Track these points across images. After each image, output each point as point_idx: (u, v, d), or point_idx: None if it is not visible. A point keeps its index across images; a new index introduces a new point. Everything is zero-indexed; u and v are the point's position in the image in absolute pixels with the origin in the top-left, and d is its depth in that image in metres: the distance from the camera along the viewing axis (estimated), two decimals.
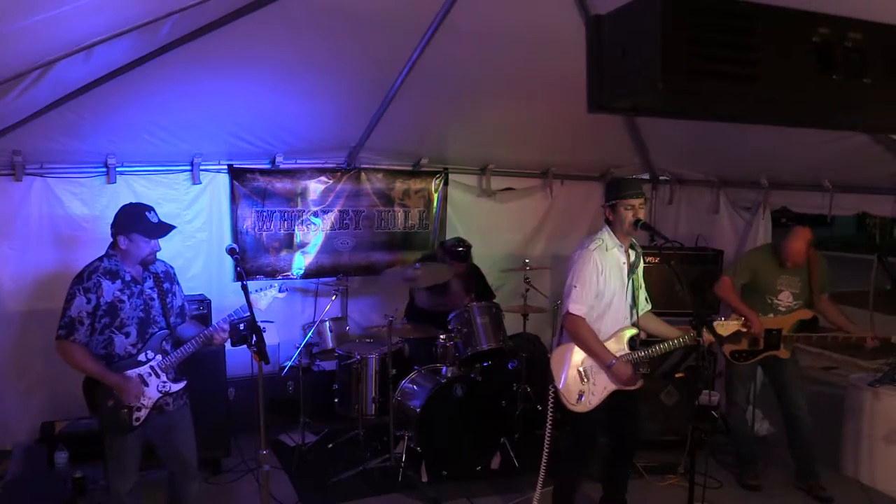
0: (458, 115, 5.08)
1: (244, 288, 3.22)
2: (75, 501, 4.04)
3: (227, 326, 3.26)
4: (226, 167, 5.22)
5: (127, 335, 3.13)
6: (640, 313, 3.70)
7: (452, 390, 4.49)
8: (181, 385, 3.28)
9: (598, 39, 1.75)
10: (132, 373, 3.12)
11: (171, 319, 3.32)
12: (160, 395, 3.19)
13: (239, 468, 4.53)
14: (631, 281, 3.61)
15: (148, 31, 2.91)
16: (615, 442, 3.81)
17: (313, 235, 5.58)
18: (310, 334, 5.00)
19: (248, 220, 5.32)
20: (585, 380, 3.55)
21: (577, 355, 3.57)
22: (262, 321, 3.19)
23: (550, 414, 3.73)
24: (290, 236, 5.50)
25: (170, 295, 3.33)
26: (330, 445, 4.96)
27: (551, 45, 3.98)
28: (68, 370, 4.81)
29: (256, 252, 5.38)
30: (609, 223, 3.59)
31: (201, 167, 5.07)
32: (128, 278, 3.16)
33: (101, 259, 3.17)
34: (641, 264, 3.73)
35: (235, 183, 5.23)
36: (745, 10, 1.60)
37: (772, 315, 4.39)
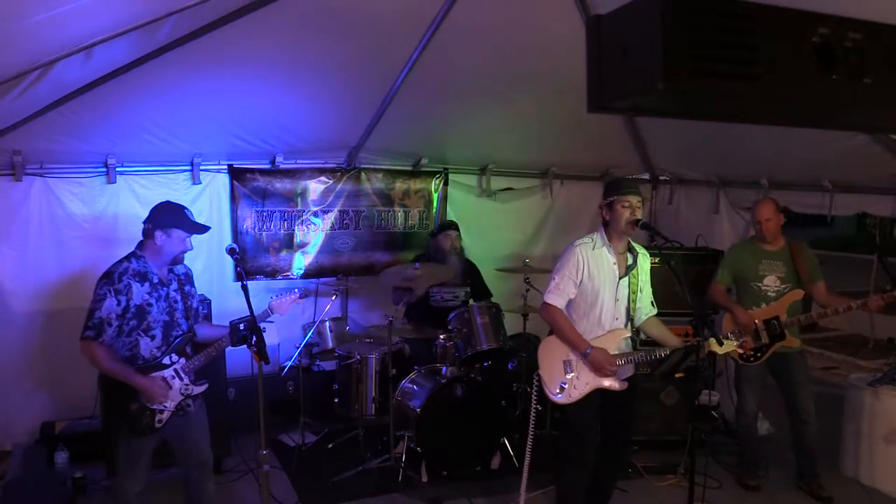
0: (458, 115, 5.08)
1: (244, 288, 3.22)
2: (75, 501, 4.04)
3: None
4: (226, 167, 5.22)
5: (153, 338, 3.13)
6: (643, 317, 3.68)
7: (452, 390, 4.49)
8: (203, 387, 3.29)
9: (598, 39, 1.75)
10: (157, 375, 3.11)
11: (191, 321, 3.33)
12: (182, 397, 3.20)
13: (239, 468, 4.53)
14: (625, 283, 3.57)
15: (148, 31, 2.91)
16: (603, 441, 3.78)
17: (313, 235, 5.58)
18: (310, 334, 5.00)
19: (248, 220, 5.32)
20: (570, 372, 3.54)
21: (565, 347, 3.58)
22: (261, 321, 3.19)
23: (535, 402, 3.75)
24: (290, 236, 5.50)
25: (190, 298, 3.34)
26: (330, 445, 4.97)
27: (551, 45, 3.98)
28: (68, 370, 4.86)
29: (256, 252, 5.38)
30: (605, 224, 3.58)
31: (201, 167, 5.08)
32: (155, 280, 3.15)
33: (128, 259, 3.14)
34: (647, 268, 3.70)
35: (235, 183, 5.24)
36: (745, 9, 1.60)
37: (763, 304, 4.33)
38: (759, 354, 4.32)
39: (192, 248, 3.26)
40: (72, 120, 4.00)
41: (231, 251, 3.44)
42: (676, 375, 5.02)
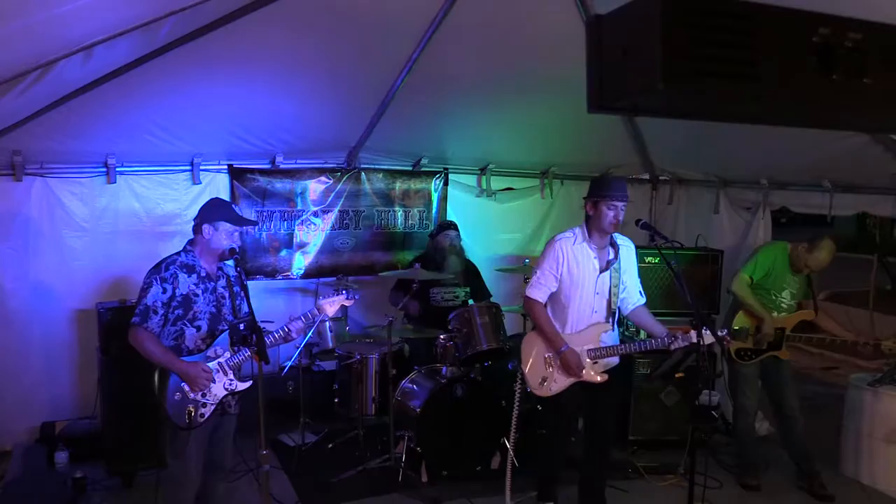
0: (458, 115, 5.08)
1: (244, 288, 3.23)
2: (75, 501, 4.04)
3: (300, 323, 3.36)
4: (226, 167, 5.22)
5: (198, 328, 3.16)
6: (631, 306, 3.79)
7: (452, 390, 4.49)
8: (247, 385, 3.28)
9: (598, 39, 1.75)
10: (200, 363, 3.13)
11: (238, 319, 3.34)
12: (226, 392, 3.21)
13: (239, 468, 4.52)
14: (606, 277, 3.65)
15: (148, 31, 2.91)
16: (588, 438, 3.92)
17: (313, 235, 5.58)
18: (310, 334, 4.99)
19: None
20: (550, 367, 3.66)
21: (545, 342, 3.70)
22: (262, 321, 3.20)
23: (518, 394, 3.93)
24: (290, 236, 5.50)
25: (239, 298, 3.35)
26: (330, 445, 4.96)
27: (551, 46, 3.98)
28: (68, 370, 4.85)
29: (256, 252, 5.38)
30: (587, 219, 3.65)
31: (201, 167, 5.07)
32: (203, 274, 3.20)
33: (178, 253, 3.21)
34: (632, 259, 3.78)
35: (235, 183, 5.24)
36: (745, 10, 1.60)
37: (776, 313, 4.41)
38: (752, 355, 4.41)
39: (239, 243, 3.30)
40: (72, 120, 4.00)
41: (231, 251, 3.43)
42: (676, 375, 5.03)
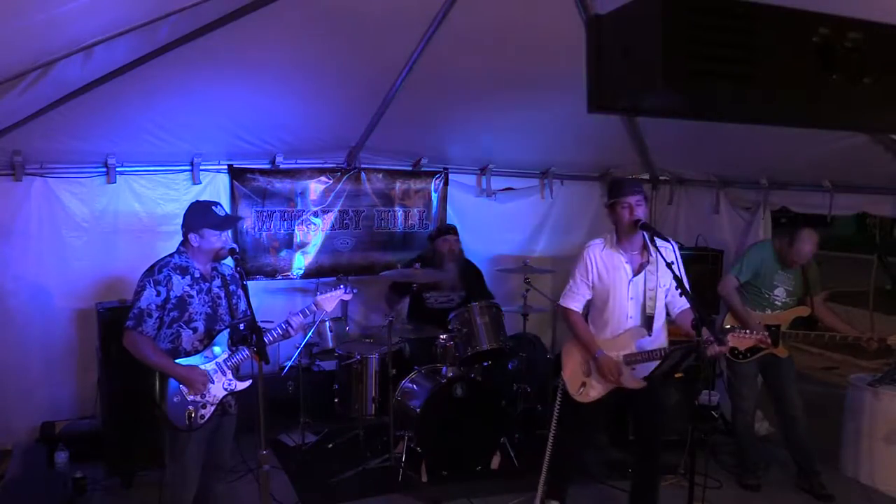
0: (458, 115, 5.08)
1: (244, 288, 3.23)
2: (75, 501, 4.04)
3: (300, 318, 3.33)
4: (226, 167, 5.22)
5: (194, 330, 3.16)
6: (677, 311, 3.68)
7: (452, 390, 4.49)
8: (246, 384, 3.28)
9: (598, 39, 1.74)
10: (197, 366, 3.13)
11: (235, 319, 3.34)
12: (226, 392, 3.21)
13: (239, 468, 4.52)
14: (640, 281, 3.58)
15: (147, 32, 2.91)
16: (639, 438, 3.91)
17: (313, 235, 5.58)
18: (310, 334, 4.99)
19: (248, 220, 5.32)
20: (589, 374, 3.65)
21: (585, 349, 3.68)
22: (261, 321, 3.20)
23: (558, 404, 3.86)
24: (290, 236, 5.51)
25: (235, 297, 3.36)
26: (330, 445, 4.97)
27: (551, 45, 3.98)
28: (68, 370, 4.86)
29: (256, 252, 5.39)
30: (615, 224, 3.64)
31: (201, 167, 5.08)
32: (197, 275, 3.20)
33: (171, 255, 3.21)
34: (675, 261, 3.53)
35: (235, 183, 5.24)
36: (745, 9, 1.60)
37: (769, 311, 4.42)
38: (749, 354, 4.40)
39: (228, 244, 3.27)
40: (72, 120, 3.99)
41: (231, 251, 3.43)
42: (676, 375, 5.01)
